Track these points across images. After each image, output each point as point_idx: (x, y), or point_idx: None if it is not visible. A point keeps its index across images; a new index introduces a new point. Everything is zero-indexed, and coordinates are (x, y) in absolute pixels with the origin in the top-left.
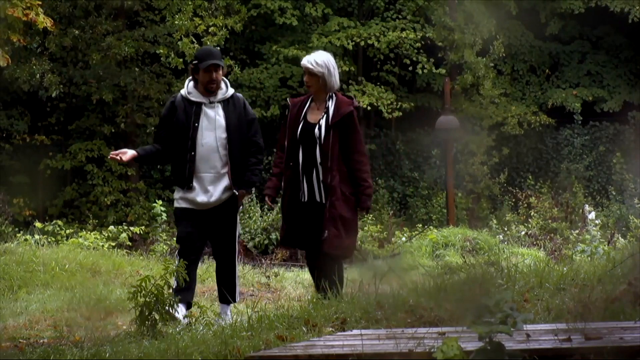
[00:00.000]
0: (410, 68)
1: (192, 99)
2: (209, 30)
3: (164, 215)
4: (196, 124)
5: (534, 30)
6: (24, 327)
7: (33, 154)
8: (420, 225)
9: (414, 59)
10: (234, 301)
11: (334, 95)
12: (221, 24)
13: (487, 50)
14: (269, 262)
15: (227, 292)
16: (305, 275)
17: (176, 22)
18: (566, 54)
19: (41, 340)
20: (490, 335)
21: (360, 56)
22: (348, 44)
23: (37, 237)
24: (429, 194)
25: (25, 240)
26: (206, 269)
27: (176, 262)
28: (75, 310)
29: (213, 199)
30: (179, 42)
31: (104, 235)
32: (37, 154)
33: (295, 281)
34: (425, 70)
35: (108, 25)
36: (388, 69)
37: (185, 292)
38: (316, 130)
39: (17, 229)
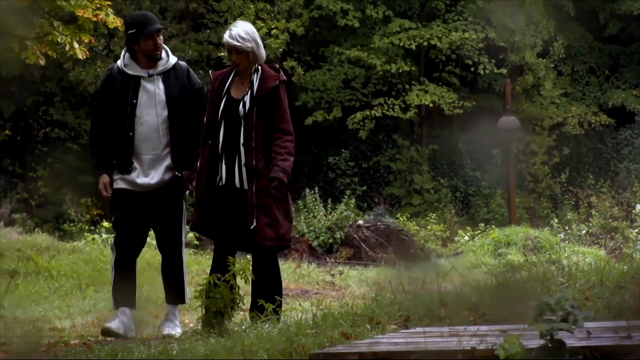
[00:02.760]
0: (472, 69)
1: (129, 72)
2: (271, 33)
3: None
4: (134, 100)
5: (593, 32)
6: (92, 325)
7: None
8: (482, 224)
9: (476, 59)
10: (183, 302)
11: (259, 67)
12: (283, 27)
13: (547, 52)
14: (333, 260)
15: (173, 290)
16: (369, 273)
17: None
18: (626, 54)
19: (109, 338)
20: (551, 333)
21: (422, 57)
22: (410, 44)
23: (104, 236)
24: (491, 193)
25: (93, 239)
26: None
27: (112, 255)
28: (142, 308)
29: (154, 180)
30: None
31: None
32: None
33: (360, 279)
34: (486, 71)
35: (172, 27)
36: (450, 70)
37: (123, 290)
38: (240, 107)
39: (84, 228)
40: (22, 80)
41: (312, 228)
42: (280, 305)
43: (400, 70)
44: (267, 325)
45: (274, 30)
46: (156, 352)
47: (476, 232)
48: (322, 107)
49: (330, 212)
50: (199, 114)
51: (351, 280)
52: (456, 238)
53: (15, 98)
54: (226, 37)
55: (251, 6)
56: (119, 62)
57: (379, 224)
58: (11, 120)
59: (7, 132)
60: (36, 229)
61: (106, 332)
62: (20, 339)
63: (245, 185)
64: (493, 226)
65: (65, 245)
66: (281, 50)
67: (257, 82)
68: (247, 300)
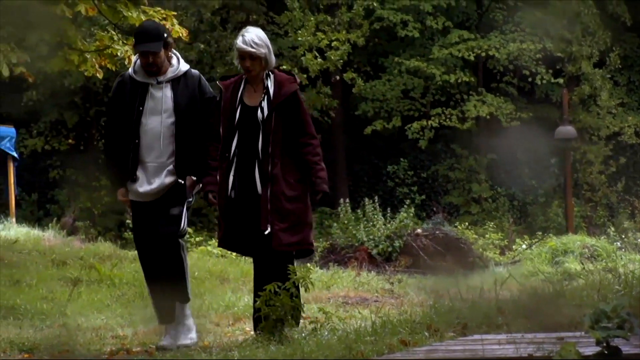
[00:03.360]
0: (529, 79)
1: (138, 79)
2: (332, 45)
3: None
4: (140, 108)
5: None
6: (153, 333)
7: None
8: (540, 233)
9: (533, 70)
10: (187, 300)
11: (271, 72)
12: (344, 39)
13: (603, 62)
14: (392, 268)
15: (176, 288)
16: (428, 281)
17: (299, 37)
18: None
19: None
20: (607, 340)
21: (480, 68)
22: (468, 55)
23: None
24: (548, 202)
25: None
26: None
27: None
28: (204, 316)
29: (154, 186)
30: (302, 57)
31: None
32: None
33: (418, 287)
34: (543, 81)
35: (233, 39)
36: (507, 80)
37: (161, 305)
38: (259, 113)
39: None
40: (85, 91)
41: (371, 237)
42: (299, 314)
43: (459, 81)
44: (326, 333)
45: (335, 42)
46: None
47: (533, 241)
48: (382, 117)
49: (390, 221)
50: (209, 123)
51: (410, 288)
52: (514, 246)
53: (78, 108)
54: (239, 43)
55: (311, 18)
56: (130, 69)
57: (437, 232)
58: (74, 130)
59: (70, 141)
60: (99, 238)
61: (162, 349)
62: (83, 347)
63: (260, 191)
64: (550, 234)
65: (127, 253)
66: (342, 61)
67: (273, 87)
68: (307, 308)
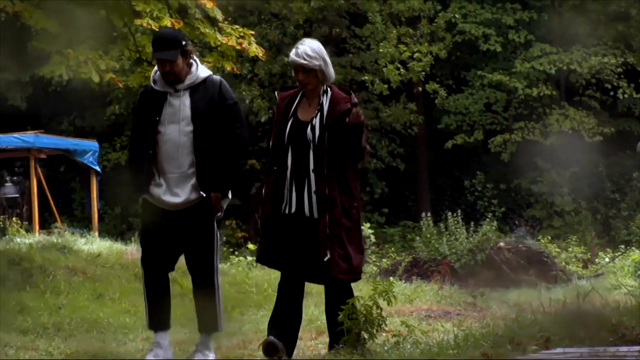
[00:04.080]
0: (611, 93)
1: (157, 88)
2: (414, 57)
3: (373, 238)
4: (157, 118)
5: None
6: (237, 347)
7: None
8: (623, 246)
9: (615, 84)
10: (216, 330)
11: (328, 89)
12: (426, 51)
13: None
14: (474, 282)
15: (205, 317)
16: (510, 294)
17: (381, 49)
18: None
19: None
20: None
21: (563, 81)
22: (550, 69)
23: (249, 258)
24: (631, 215)
25: (238, 261)
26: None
27: (142, 275)
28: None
29: (180, 200)
30: (384, 69)
31: None
32: (249, 178)
33: (501, 300)
34: (626, 95)
35: None
36: (590, 94)
37: (155, 310)
38: (309, 130)
39: (230, 251)
40: None
41: (453, 250)
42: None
43: (541, 94)
44: (409, 346)
45: (417, 54)
46: None
47: (616, 254)
48: (464, 130)
49: (472, 234)
50: (230, 131)
51: (492, 301)
52: (597, 260)
53: None
54: (292, 55)
55: (393, 30)
56: (151, 79)
57: (520, 246)
58: None
59: None
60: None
61: None
62: None
63: (315, 214)
64: (633, 248)
65: None
66: (424, 73)
67: (327, 104)
68: (390, 322)
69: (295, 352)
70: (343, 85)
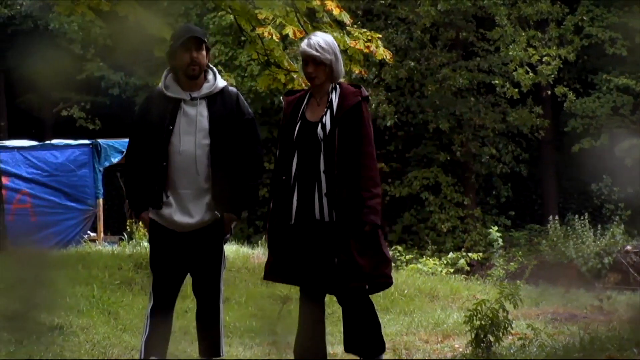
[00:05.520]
0: None
1: (169, 94)
2: (543, 60)
3: (500, 241)
4: (171, 127)
5: None
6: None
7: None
8: None
9: None
10: (218, 355)
11: (337, 85)
12: (554, 54)
13: None
14: (601, 285)
15: (208, 342)
16: (637, 298)
17: (510, 52)
18: None
19: None
20: None
21: None
22: None
23: None
24: None
25: None
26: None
27: (150, 301)
28: (414, 334)
29: (194, 220)
30: (514, 72)
31: (443, 262)
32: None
33: (628, 304)
34: None
35: (443, 56)
36: None
37: (156, 340)
38: (319, 129)
39: None
40: None
41: (580, 254)
42: (381, 351)
43: None
44: (535, 349)
45: (545, 57)
46: None
47: None
48: (590, 134)
49: (599, 238)
50: (247, 148)
51: (619, 304)
52: None
53: None
54: (303, 45)
55: (522, 34)
56: (161, 83)
57: None
58: None
59: None
60: None
61: None
62: None
63: (326, 217)
64: None
65: None
66: (552, 76)
67: (337, 100)
68: (516, 325)
69: (421, 356)
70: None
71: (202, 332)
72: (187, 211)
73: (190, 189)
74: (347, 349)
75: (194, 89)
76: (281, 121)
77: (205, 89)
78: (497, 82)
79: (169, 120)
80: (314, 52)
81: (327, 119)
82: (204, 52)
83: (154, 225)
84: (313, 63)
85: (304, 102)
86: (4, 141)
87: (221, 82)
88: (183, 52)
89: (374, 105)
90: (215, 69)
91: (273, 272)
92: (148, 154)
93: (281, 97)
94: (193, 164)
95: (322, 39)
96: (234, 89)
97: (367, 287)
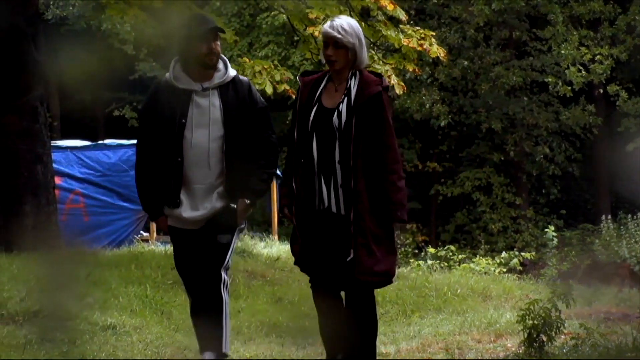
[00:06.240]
0: None
1: (179, 85)
2: (595, 59)
3: (555, 241)
4: (183, 120)
5: None
6: (416, 350)
7: (425, 180)
8: None
9: None
10: (220, 350)
11: (357, 72)
12: (607, 53)
13: None
14: None
15: (210, 335)
16: None
17: (562, 51)
18: None
19: None
20: None
21: None
22: None
23: (429, 262)
24: None
25: (418, 265)
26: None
27: (189, 301)
28: (466, 333)
29: (202, 212)
30: (567, 71)
31: (495, 261)
32: (429, 181)
33: None
34: None
35: (497, 55)
36: None
37: (207, 336)
38: (335, 117)
39: (409, 253)
40: None
41: (633, 253)
42: (373, 354)
43: None
44: (587, 349)
45: (598, 57)
46: None
47: None
48: None
49: None
50: (261, 138)
51: None
52: None
53: None
54: (326, 27)
55: (575, 33)
56: (168, 74)
57: None
58: None
59: None
60: None
61: None
62: None
63: (343, 211)
64: None
65: None
66: (605, 75)
67: (355, 88)
68: (568, 324)
69: (473, 355)
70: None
71: (201, 325)
72: (197, 206)
73: (203, 184)
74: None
75: (205, 79)
76: (297, 102)
77: (217, 78)
78: (549, 80)
79: (180, 113)
80: (336, 34)
81: (343, 107)
82: (219, 42)
83: (171, 229)
84: (334, 46)
85: (321, 86)
86: (57, 141)
87: (232, 71)
88: (201, 42)
89: (427, 105)
90: (224, 57)
91: (303, 261)
92: (160, 150)
93: (297, 77)
94: (206, 158)
95: (345, 22)
96: (245, 78)
97: (376, 282)
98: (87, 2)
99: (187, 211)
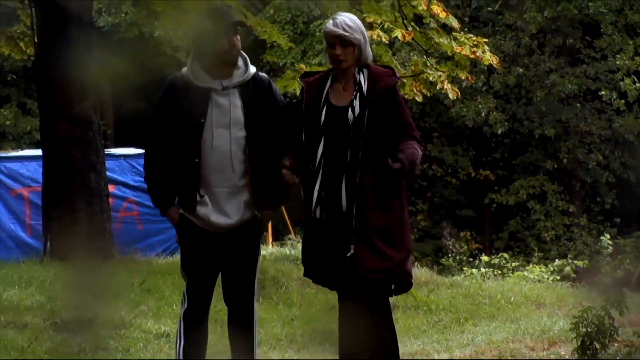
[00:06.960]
0: None
1: (197, 83)
2: None
3: (610, 249)
4: (202, 119)
5: None
6: (470, 358)
7: (479, 188)
8: None
9: None
10: None
11: (364, 67)
12: None
13: None
14: None
15: (241, 349)
16: None
17: (617, 62)
18: None
19: None
20: None
21: None
22: None
23: (482, 270)
24: None
25: (472, 273)
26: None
27: (183, 305)
28: (519, 341)
29: (233, 220)
30: (621, 82)
31: (549, 269)
32: (482, 189)
33: None
34: None
35: (551, 63)
36: None
37: (192, 348)
38: (349, 113)
39: (464, 260)
40: None
41: None
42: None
43: None
44: None
45: None
46: None
47: None
48: None
49: None
50: (284, 138)
51: None
52: None
53: None
54: (329, 26)
55: (630, 42)
56: (185, 70)
57: None
58: None
59: None
60: (415, 263)
61: None
62: None
63: (345, 207)
64: None
65: (444, 279)
66: None
67: (367, 81)
68: (622, 332)
69: None
70: None
71: (235, 338)
72: (224, 211)
73: (226, 187)
74: None
75: (225, 77)
76: (302, 106)
77: (237, 76)
78: (603, 92)
79: (199, 113)
80: (341, 32)
81: (357, 103)
82: (239, 37)
83: (185, 224)
84: (340, 44)
85: (327, 86)
86: (110, 149)
87: (252, 69)
88: (222, 37)
89: (483, 113)
90: (244, 54)
91: (310, 271)
92: (175, 149)
93: (299, 79)
94: (228, 160)
95: (348, 18)
96: (265, 75)
97: (392, 286)
98: (139, 9)
99: (214, 215)
